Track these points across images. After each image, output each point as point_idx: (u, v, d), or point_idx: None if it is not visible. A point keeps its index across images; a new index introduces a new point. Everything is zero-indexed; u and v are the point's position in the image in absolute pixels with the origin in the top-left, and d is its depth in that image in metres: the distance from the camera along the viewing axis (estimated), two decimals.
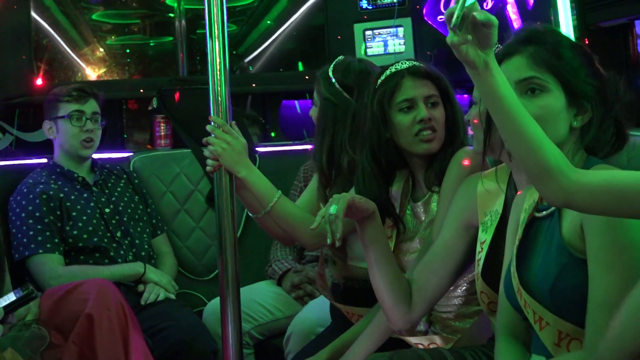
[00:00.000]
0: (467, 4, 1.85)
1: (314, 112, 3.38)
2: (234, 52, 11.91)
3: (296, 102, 5.71)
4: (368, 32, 5.39)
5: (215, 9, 2.86)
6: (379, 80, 2.92)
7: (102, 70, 9.49)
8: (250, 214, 3.17)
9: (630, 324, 1.85)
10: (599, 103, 2.21)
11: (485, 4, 5.07)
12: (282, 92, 5.49)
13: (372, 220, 2.59)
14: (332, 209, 2.37)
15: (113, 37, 11.18)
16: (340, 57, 3.37)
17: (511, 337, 2.34)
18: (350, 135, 3.11)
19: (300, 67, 7.28)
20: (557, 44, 2.23)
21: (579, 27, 3.94)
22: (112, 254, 3.96)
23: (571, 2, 4.04)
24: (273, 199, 2.98)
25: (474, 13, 1.84)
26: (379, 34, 5.34)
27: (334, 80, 3.21)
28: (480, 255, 2.53)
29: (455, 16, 1.84)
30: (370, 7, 5.43)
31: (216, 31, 2.87)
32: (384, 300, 2.63)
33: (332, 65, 3.27)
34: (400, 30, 5.33)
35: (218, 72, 2.89)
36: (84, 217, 3.95)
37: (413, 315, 2.64)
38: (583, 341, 2.07)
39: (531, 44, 2.22)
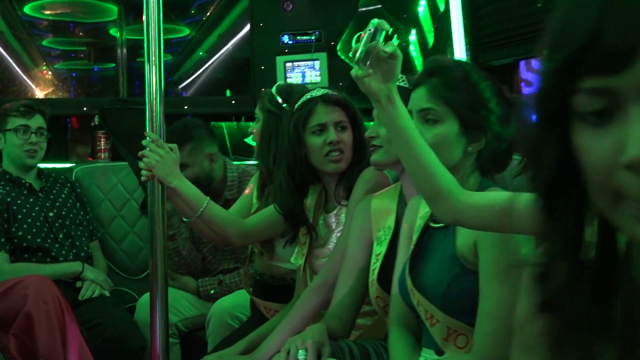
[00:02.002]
0: (370, 42, 1.86)
1: (255, 126, 3.39)
2: (170, 79, 11.82)
3: (223, 123, 5.66)
4: (288, 64, 5.41)
5: (153, 38, 2.85)
6: (296, 106, 2.93)
7: (50, 90, 9.32)
8: (184, 219, 3.17)
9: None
10: (499, 129, 2.21)
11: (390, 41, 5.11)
12: (211, 115, 5.42)
13: None
14: (301, 354, 2.32)
15: (61, 61, 11.03)
16: (281, 82, 3.53)
17: (403, 327, 2.35)
18: None
19: (228, 93, 7.26)
20: (459, 78, 2.21)
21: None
22: (54, 253, 3.89)
23: (465, 43, 4.08)
24: (202, 205, 3.00)
25: (381, 46, 1.85)
26: (298, 65, 5.36)
27: (277, 96, 3.24)
28: (375, 265, 2.55)
29: (359, 51, 1.84)
30: (290, 42, 5.46)
31: (153, 57, 2.86)
32: None
33: (275, 86, 3.34)
34: (317, 63, 5.37)
35: (154, 94, 2.88)
36: (29, 220, 3.88)
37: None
38: (471, 342, 2.08)
39: (434, 76, 2.21)
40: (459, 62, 2.33)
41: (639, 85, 0.80)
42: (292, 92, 3.24)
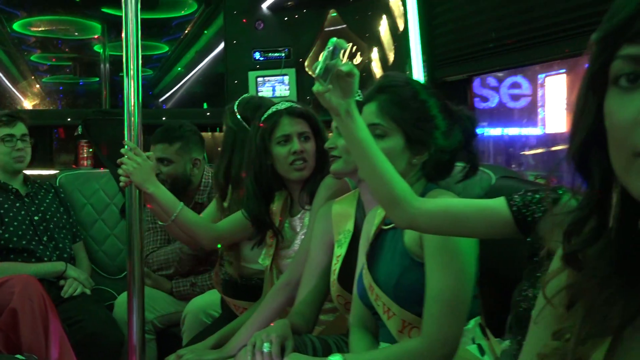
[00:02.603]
0: (330, 60, 1.86)
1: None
2: (150, 93, 11.80)
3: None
4: (260, 79, 5.43)
5: (131, 54, 2.86)
6: (262, 118, 2.93)
7: (37, 102, 9.26)
8: (160, 222, 3.20)
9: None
10: (443, 142, 2.23)
11: (353, 60, 5.13)
12: None
13: None
14: (265, 347, 2.33)
15: (48, 76, 10.97)
16: (246, 95, 3.43)
17: (362, 328, 2.37)
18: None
19: (205, 106, 7.26)
20: (407, 96, 2.23)
21: (428, 81, 4.00)
22: (38, 254, 3.86)
23: (423, 60, 4.10)
24: (177, 210, 3.01)
25: (339, 66, 1.86)
26: (269, 80, 5.39)
27: (236, 112, 3.23)
28: (336, 266, 2.57)
29: (318, 68, 1.85)
30: (262, 59, 5.48)
31: (131, 72, 2.86)
32: None
33: (237, 101, 3.31)
34: (286, 78, 5.40)
35: (132, 106, 2.88)
36: (15, 223, 3.86)
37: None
38: (422, 325, 2.10)
39: (384, 93, 2.24)
40: (409, 81, 2.33)
41: None
42: (254, 105, 3.24)
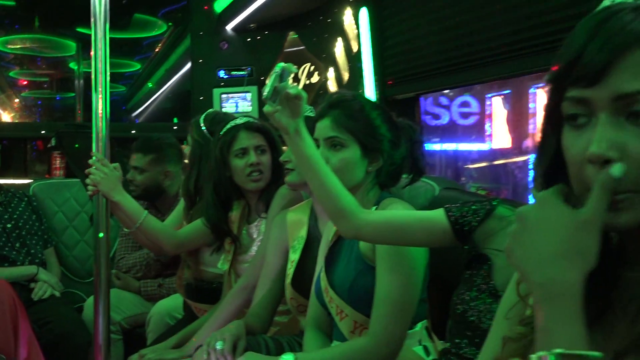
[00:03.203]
0: (278, 82, 1.86)
1: (186, 150, 3.40)
2: (124, 108, 11.73)
3: None
4: (224, 95, 5.42)
5: (100, 71, 2.82)
6: (222, 132, 2.93)
7: (16, 115, 9.14)
8: (125, 229, 3.15)
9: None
10: (392, 150, 2.23)
11: (311, 79, 5.14)
12: None
13: None
14: (218, 344, 2.32)
15: (27, 90, 10.86)
16: (211, 110, 3.43)
17: (317, 329, 2.36)
18: None
19: (175, 120, 7.23)
20: (356, 109, 2.23)
21: (379, 99, 4.01)
22: (11, 259, 3.82)
23: (375, 80, 4.11)
24: (141, 218, 2.99)
25: (288, 89, 1.85)
26: (232, 97, 5.37)
27: (202, 126, 3.21)
28: (290, 270, 2.56)
29: (267, 90, 1.84)
30: (226, 77, 5.47)
31: (100, 87, 2.83)
32: None
33: (203, 115, 3.29)
34: (249, 95, 5.40)
35: (100, 119, 2.84)
36: None
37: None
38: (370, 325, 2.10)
39: (336, 109, 2.23)
40: (355, 95, 2.34)
41: (608, 98, 0.89)
42: (218, 120, 3.22)
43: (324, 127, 2.22)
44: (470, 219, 1.91)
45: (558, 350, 0.86)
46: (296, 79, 5.27)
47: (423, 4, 3.67)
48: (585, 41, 0.92)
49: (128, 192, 3.42)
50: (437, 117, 5.47)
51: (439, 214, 1.94)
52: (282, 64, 1.86)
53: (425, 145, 2.34)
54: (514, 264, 0.93)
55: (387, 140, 2.22)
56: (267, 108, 1.88)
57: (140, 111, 11.81)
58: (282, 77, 1.85)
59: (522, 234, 0.94)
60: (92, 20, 2.83)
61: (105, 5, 2.84)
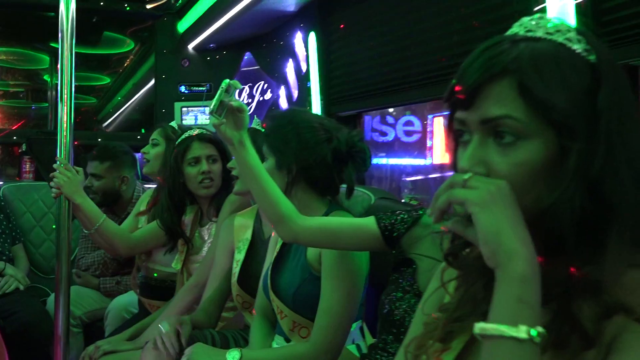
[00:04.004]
0: (224, 97, 1.83)
1: (154, 150, 3.36)
2: (95, 118, 11.57)
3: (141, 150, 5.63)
4: (184, 109, 5.39)
5: (65, 83, 2.75)
6: (177, 142, 2.91)
7: None
8: (85, 231, 3.06)
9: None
10: (309, 165, 2.13)
11: (264, 96, 5.12)
12: None
13: None
14: (163, 325, 2.34)
15: (3, 100, 10.65)
16: (172, 123, 3.46)
17: (264, 317, 2.34)
18: None
19: (143, 131, 7.16)
20: (279, 124, 2.18)
21: (324, 115, 4.00)
22: None
23: (321, 98, 4.11)
24: (99, 221, 2.93)
25: (231, 102, 1.83)
26: (192, 110, 5.35)
27: (178, 129, 3.24)
28: (236, 269, 2.54)
29: (212, 104, 1.82)
30: (186, 92, 5.45)
31: (66, 97, 2.76)
32: None
33: (174, 122, 3.39)
34: (207, 108, 5.32)
35: (65, 127, 2.77)
36: None
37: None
38: (311, 333, 2.07)
39: (269, 124, 2.22)
40: (286, 113, 2.30)
41: (478, 119, 0.93)
42: (183, 129, 3.20)
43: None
44: (399, 226, 1.91)
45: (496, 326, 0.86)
46: (251, 96, 5.25)
47: (365, 30, 3.68)
48: (466, 67, 0.95)
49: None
50: (384, 134, 5.49)
51: (370, 221, 1.93)
52: (227, 80, 1.84)
53: (357, 159, 2.23)
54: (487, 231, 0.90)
55: (294, 153, 2.13)
56: (213, 120, 1.86)
57: (110, 121, 11.66)
58: (227, 92, 1.82)
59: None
60: (59, 36, 2.77)
61: (72, 22, 2.77)
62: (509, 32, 0.98)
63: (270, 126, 2.21)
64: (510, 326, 0.83)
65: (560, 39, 0.94)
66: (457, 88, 0.95)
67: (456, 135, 0.99)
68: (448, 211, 0.94)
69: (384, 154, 5.87)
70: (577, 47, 0.93)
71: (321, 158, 2.13)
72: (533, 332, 0.83)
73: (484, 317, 0.94)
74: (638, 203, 0.91)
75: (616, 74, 0.94)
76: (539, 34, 0.94)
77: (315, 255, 2.10)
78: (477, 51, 0.95)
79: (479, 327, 0.86)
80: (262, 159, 2.07)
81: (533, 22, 0.96)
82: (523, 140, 0.91)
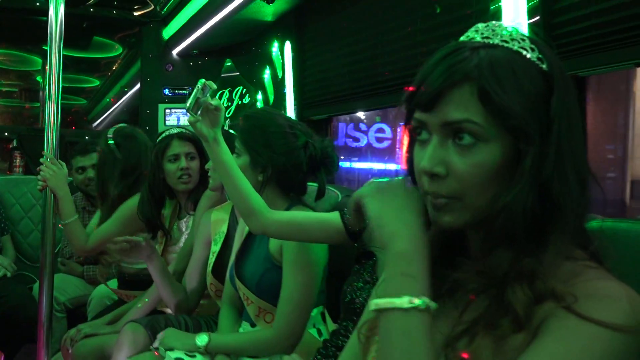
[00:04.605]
0: (200, 96, 1.81)
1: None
2: (85, 119, 11.46)
3: None
4: (167, 110, 5.35)
5: (53, 83, 2.71)
6: (158, 140, 2.88)
7: None
8: (60, 222, 2.98)
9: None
10: (282, 164, 2.11)
11: (243, 100, 5.09)
12: None
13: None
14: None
15: None
16: (121, 125, 3.27)
17: (231, 305, 2.33)
18: (120, 175, 3.06)
19: None
20: (255, 125, 2.14)
21: (298, 120, 3.99)
22: None
23: (295, 103, 4.11)
24: (69, 219, 2.91)
25: (207, 101, 1.80)
26: (175, 112, 5.31)
27: (110, 139, 3.11)
28: (211, 260, 2.51)
29: (189, 102, 1.80)
30: (170, 94, 5.41)
31: (53, 96, 2.72)
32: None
33: (113, 129, 3.18)
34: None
35: (52, 124, 2.72)
36: None
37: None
38: (274, 319, 2.07)
39: (243, 121, 2.17)
40: (261, 113, 2.26)
41: (439, 123, 0.92)
42: (127, 134, 3.14)
43: (236, 139, 2.19)
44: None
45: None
46: (230, 100, 5.22)
47: (336, 41, 3.68)
48: (428, 72, 0.94)
49: (84, 191, 3.31)
50: (357, 140, 5.48)
51: (335, 216, 1.92)
52: (203, 80, 1.81)
53: (327, 164, 2.24)
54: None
55: (270, 155, 2.11)
56: (190, 118, 1.83)
57: (100, 121, 11.56)
58: (203, 91, 1.80)
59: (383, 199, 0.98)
60: (48, 39, 2.73)
61: (61, 26, 2.74)
62: (464, 37, 0.98)
63: (246, 125, 2.16)
64: (395, 298, 0.87)
65: (515, 47, 0.93)
66: (418, 89, 0.94)
67: (413, 132, 0.98)
68: (360, 210, 1.01)
69: (356, 159, 5.89)
70: (531, 56, 0.93)
71: (298, 163, 2.13)
72: (418, 302, 0.87)
73: (437, 298, 0.96)
74: (580, 204, 0.92)
75: (565, 82, 0.95)
76: (496, 41, 0.94)
77: (276, 246, 2.09)
78: (438, 56, 0.94)
79: (374, 303, 0.89)
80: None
81: (488, 29, 0.96)
82: (482, 142, 0.91)
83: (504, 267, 0.91)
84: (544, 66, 0.93)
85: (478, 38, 0.96)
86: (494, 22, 0.97)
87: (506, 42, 0.94)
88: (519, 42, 0.94)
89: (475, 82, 0.90)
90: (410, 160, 1.01)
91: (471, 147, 0.91)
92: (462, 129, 0.91)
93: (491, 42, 0.94)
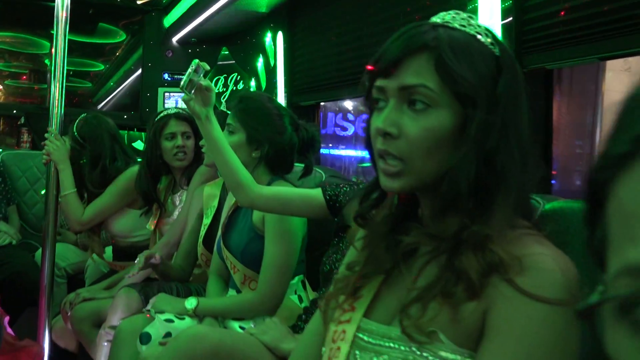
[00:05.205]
0: (194, 76, 1.79)
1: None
2: (90, 101, 11.35)
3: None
4: (167, 94, 5.30)
5: (58, 64, 2.71)
6: (156, 119, 2.86)
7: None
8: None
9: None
10: (275, 143, 2.16)
11: (237, 86, 5.07)
12: None
13: None
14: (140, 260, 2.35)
15: (9, 80, 10.40)
16: (82, 115, 3.13)
17: (218, 276, 2.34)
18: (90, 167, 2.97)
19: (132, 113, 7.05)
20: (252, 106, 2.18)
21: (288, 105, 3.98)
22: None
23: (285, 90, 4.09)
24: (67, 192, 2.87)
25: (200, 81, 1.80)
26: (173, 95, 5.26)
27: (75, 133, 3.00)
28: (202, 232, 2.53)
29: (183, 81, 1.78)
30: (169, 79, 5.36)
31: (58, 75, 2.72)
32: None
33: (75, 123, 3.05)
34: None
35: (56, 101, 2.73)
36: None
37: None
38: (257, 284, 2.08)
39: (239, 103, 2.20)
40: (256, 96, 2.30)
41: (396, 87, 0.94)
42: (93, 126, 3.02)
43: (229, 115, 2.19)
44: (342, 198, 1.91)
45: None
46: (226, 85, 5.19)
47: (324, 32, 3.67)
48: (389, 43, 0.96)
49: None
50: (344, 129, 5.50)
51: (317, 192, 1.93)
52: (197, 60, 1.80)
53: (315, 147, 2.29)
54: None
55: (269, 134, 2.16)
56: (184, 97, 1.83)
57: (104, 104, 11.47)
58: (196, 71, 1.79)
59: None
60: (54, 23, 2.71)
61: (67, 11, 2.72)
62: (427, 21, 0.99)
63: (244, 105, 2.18)
64: None
65: (472, 31, 0.96)
66: (380, 59, 0.96)
67: (373, 103, 0.99)
68: None
69: (344, 147, 5.90)
70: (485, 40, 0.96)
71: (293, 143, 2.20)
72: None
73: (386, 274, 1.00)
74: (521, 178, 0.93)
75: (514, 67, 0.97)
76: (455, 25, 0.96)
77: (259, 218, 2.12)
78: (399, 32, 0.97)
79: None
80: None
81: (449, 16, 0.98)
82: (433, 108, 0.92)
83: (452, 230, 0.92)
84: (496, 50, 0.95)
85: (439, 21, 0.98)
86: (455, 11, 0.99)
87: (464, 26, 0.96)
88: (476, 28, 0.96)
89: (433, 52, 0.92)
90: (368, 129, 1.02)
91: (423, 111, 0.92)
92: (416, 93, 0.92)
93: (450, 25, 0.96)
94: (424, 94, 0.92)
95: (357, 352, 0.96)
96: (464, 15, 0.98)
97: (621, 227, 0.40)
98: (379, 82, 0.96)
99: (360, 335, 0.97)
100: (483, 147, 0.91)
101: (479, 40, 0.95)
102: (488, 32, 0.97)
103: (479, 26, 0.97)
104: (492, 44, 0.96)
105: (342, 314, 1.01)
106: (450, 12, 0.99)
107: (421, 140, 0.92)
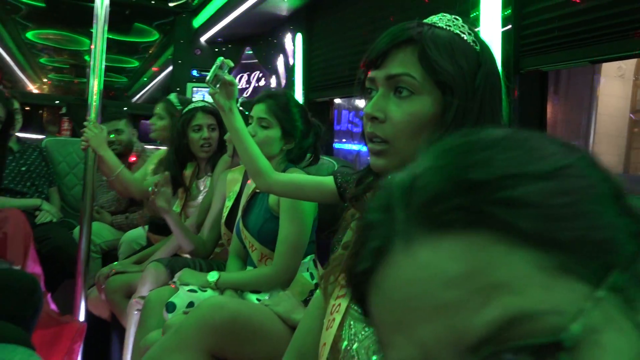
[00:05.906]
0: (219, 72, 1.82)
1: (161, 123, 3.28)
2: (126, 94, 11.42)
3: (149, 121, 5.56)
4: (195, 89, 5.32)
5: (97, 59, 2.76)
6: (184, 111, 2.91)
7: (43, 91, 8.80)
8: (104, 178, 3.08)
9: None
10: (302, 138, 2.23)
11: (259, 83, 5.09)
12: (141, 115, 5.24)
13: None
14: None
15: (54, 74, 10.49)
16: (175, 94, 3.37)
17: (236, 256, 2.38)
18: None
19: None
20: (284, 102, 2.23)
21: (305, 101, 4.00)
22: (23, 193, 3.73)
23: (303, 87, 4.10)
24: (117, 170, 2.93)
25: (225, 77, 1.82)
26: (200, 90, 5.28)
27: (177, 103, 3.19)
28: (225, 213, 2.56)
29: (209, 76, 1.81)
30: (197, 75, 5.38)
31: (97, 71, 2.78)
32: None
33: (174, 95, 3.31)
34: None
35: (94, 93, 2.79)
36: (7, 171, 3.67)
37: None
38: (273, 259, 2.11)
39: (270, 99, 2.23)
40: (285, 93, 2.34)
41: (384, 77, 0.97)
42: (184, 101, 3.16)
43: (259, 110, 2.21)
44: (350, 184, 1.92)
45: None
46: (248, 82, 5.22)
47: (340, 34, 3.67)
48: (380, 39, 0.99)
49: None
50: (357, 125, 5.52)
51: (329, 179, 1.94)
52: (221, 58, 1.83)
53: (322, 139, 2.38)
54: None
55: (300, 130, 2.24)
56: (210, 90, 1.85)
57: (138, 98, 11.55)
58: (221, 67, 1.81)
59: None
60: (94, 22, 2.74)
61: (106, 11, 2.76)
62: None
63: (277, 102, 2.22)
64: None
65: (456, 30, 0.99)
66: (371, 54, 0.99)
67: (367, 93, 1.02)
68: None
69: (356, 142, 5.91)
70: (467, 38, 0.99)
71: (316, 139, 2.31)
72: None
73: None
74: None
75: (492, 63, 1.00)
76: (441, 24, 0.99)
77: (275, 201, 2.17)
78: (389, 29, 1.00)
79: None
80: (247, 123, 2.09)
81: (437, 18, 1.02)
82: (416, 95, 0.96)
83: None
84: (477, 48, 0.98)
85: (427, 22, 1.01)
86: (442, 13, 1.01)
87: (449, 26, 0.99)
88: (460, 27, 0.99)
89: (417, 45, 0.95)
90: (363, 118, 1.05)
91: (407, 98, 0.96)
92: (401, 82, 0.95)
93: (437, 25, 0.99)
94: (408, 82, 0.95)
95: (351, 322, 0.98)
96: (450, 17, 1.02)
97: (377, 334, 0.41)
98: (371, 74, 1.00)
99: (355, 307, 0.99)
100: (461, 129, 0.93)
101: (462, 38, 0.98)
102: (471, 32, 1.00)
103: (463, 26, 1.00)
104: (473, 41, 0.99)
105: (339, 289, 1.03)
106: (439, 14, 1.02)
107: (404, 124, 0.96)
